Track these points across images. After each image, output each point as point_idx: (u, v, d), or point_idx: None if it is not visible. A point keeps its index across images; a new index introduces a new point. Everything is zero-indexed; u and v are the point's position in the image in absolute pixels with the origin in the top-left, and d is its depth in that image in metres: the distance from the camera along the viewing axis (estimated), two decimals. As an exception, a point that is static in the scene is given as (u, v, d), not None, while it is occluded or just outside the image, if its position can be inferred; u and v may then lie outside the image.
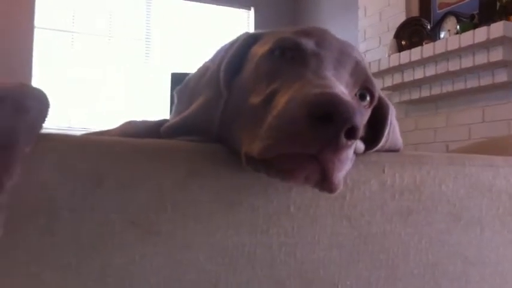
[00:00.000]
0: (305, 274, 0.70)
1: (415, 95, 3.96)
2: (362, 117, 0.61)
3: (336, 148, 0.53)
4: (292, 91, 0.57)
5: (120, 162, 0.62)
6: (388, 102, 0.76)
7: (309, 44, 0.64)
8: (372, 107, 0.70)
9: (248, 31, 0.75)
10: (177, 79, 4.20)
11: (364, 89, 0.68)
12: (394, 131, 0.78)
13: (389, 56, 4.00)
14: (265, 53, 0.66)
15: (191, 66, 4.98)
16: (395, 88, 4.11)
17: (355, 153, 0.70)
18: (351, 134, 0.52)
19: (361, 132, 0.54)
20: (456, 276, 0.80)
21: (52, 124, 4.82)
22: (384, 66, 4.01)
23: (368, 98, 0.69)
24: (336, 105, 0.51)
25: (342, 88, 0.60)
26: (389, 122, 0.74)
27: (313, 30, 0.68)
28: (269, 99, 0.60)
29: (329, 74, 0.61)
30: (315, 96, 0.52)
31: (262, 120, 0.58)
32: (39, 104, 0.60)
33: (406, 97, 4.05)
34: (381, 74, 4.10)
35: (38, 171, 0.58)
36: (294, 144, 0.53)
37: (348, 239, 0.72)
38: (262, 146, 0.55)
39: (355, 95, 0.67)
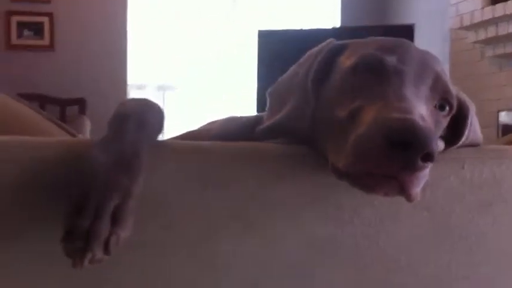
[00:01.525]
0: (387, 261, 0.78)
1: (510, 49, 3.79)
2: (437, 142, 0.64)
3: (413, 171, 0.59)
4: (374, 111, 0.63)
5: (223, 167, 0.71)
6: (469, 102, 0.80)
7: (391, 60, 0.69)
8: (450, 115, 0.75)
9: (333, 39, 0.81)
10: (264, 36, 4.25)
11: (444, 100, 0.72)
12: (474, 129, 0.81)
13: (483, 8, 3.83)
14: (350, 68, 0.72)
15: (278, 24, 4.94)
16: (488, 42, 3.95)
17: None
18: (427, 158, 0.58)
19: (436, 155, 0.59)
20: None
21: (139, 80, 5.06)
22: (477, 19, 3.86)
23: (447, 108, 0.73)
24: (413, 133, 0.57)
25: (421, 109, 0.65)
26: (469, 122, 0.78)
27: (396, 45, 0.73)
28: (353, 115, 0.66)
29: (409, 92, 0.66)
30: (394, 122, 0.59)
31: (347, 135, 0.64)
32: (156, 117, 0.70)
33: (500, 51, 3.89)
34: (473, 27, 3.95)
35: (158, 176, 0.68)
36: (374, 166, 0.60)
37: (428, 229, 0.78)
38: (346, 163, 0.63)
39: (435, 106, 0.72)
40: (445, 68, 0.79)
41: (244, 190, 0.72)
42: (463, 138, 0.78)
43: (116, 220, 0.61)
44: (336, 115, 0.70)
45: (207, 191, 0.70)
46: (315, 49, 0.82)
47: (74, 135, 0.96)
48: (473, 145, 0.83)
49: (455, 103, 0.74)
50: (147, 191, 0.67)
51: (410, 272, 0.79)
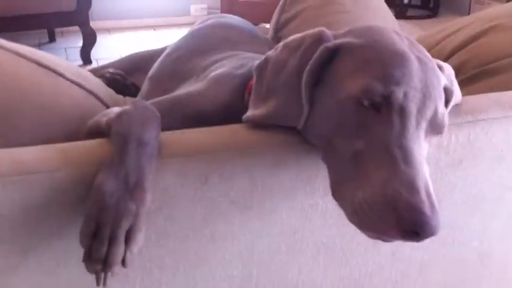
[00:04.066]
0: (366, 216, 0.88)
1: None
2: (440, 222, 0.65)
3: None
4: (380, 175, 0.65)
5: (222, 162, 0.76)
6: (454, 92, 0.82)
7: (396, 96, 0.68)
8: None
9: (324, 31, 0.79)
10: None
11: (439, 130, 0.74)
12: (455, 93, 0.85)
13: None
14: (352, 98, 0.70)
15: None
16: None
17: None
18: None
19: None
20: (493, 200, 0.95)
21: None
22: None
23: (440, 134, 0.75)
24: (423, 227, 0.61)
25: (425, 168, 0.67)
26: (451, 104, 0.81)
27: (402, 67, 0.70)
28: (355, 158, 0.68)
29: (413, 139, 0.68)
30: (405, 212, 0.61)
31: (348, 175, 0.68)
32: (154, 129, 0.72)
33: None
34: None
35: (162, 178, 0.74)
36: (379, 236, 0.66)
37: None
38: (348, 218, 0.69)
39: (431, 132, 0.73)
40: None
41: (243, 179, 0.78)
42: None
43: (128, 240, 0.68)
44: (337, 145, 0.71)
45: (206, 186, 0.76)
46: (307, 40, 0.79)
47: (80, 85, 0.96)
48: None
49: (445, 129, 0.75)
50: (153, 191, 0.72)
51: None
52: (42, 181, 0.68)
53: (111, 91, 1.09)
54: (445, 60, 1.29)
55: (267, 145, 0.78)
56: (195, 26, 1.45)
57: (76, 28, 3.84)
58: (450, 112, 0.85)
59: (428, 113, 0.71)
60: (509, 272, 1.07)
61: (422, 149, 0.70)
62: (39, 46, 4.06)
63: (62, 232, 0.72)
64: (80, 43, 3.85)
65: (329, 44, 0.76)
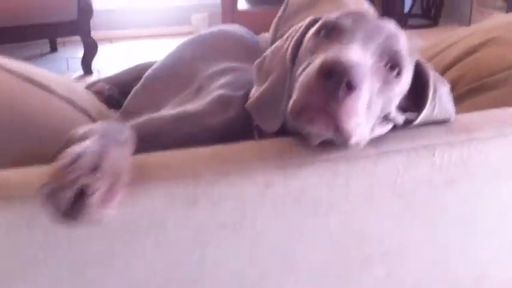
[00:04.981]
0: (358, 237, 0.86)
1: None
2: (364, 74, 0.67)
3: (339, 98, 0.65)
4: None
5: (211, 186, 0.75)
6: (430, 72, 0.84)
7: (346, 22, 0.76)
8: (401, 78, 0.78)
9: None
10: None
11: (393, 60, 0.77)
12: (441, 101, 0.84)
13: None
14: (313, 34, 0.80)
15: None
16: None
17: (395, 125, 0.82)
18: (350, 86, 0.64)
19: (361, 85, 0.65)
20: (488, 220, 0.94)
21: None
22: None
23: (396, 69, 0.77)
24: (335, 64, 0.64)
25: (359, 52, 0.70)
26: (431, 90, 0.82)
27: (356, 12, 0.79)
28: (305, 69, 0.73)
29: (354, 44, 0.72)
30: (325, 58, 0.65)
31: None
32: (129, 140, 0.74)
33: None
34: None
35: (148, 201, 0.72)
36: (309, 97, 0.67)
37: (395, 208, 0.86)
38: (292, 102, 0.70)
39: (385, 66, 0.76)
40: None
41: (233, 203, 0.76)
42: (429, 108, 0.82)
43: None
44: (297, 73, 0.76)
45: (195, 208, 0.75)
46: (297, 25, 0.86)
47: (84, 111, 0.96)
48: (444, 120, 0.86)
49: (404, 66, 0.78)
50: (135, 212, 0.72)
51: (378, 243, 0.88)
52: (25, 205, 0.67)
53: (102, 108, 1.09)
54: (444, 73, 1.28)
55: (254, 165, 0.77)
56: (199, 33, 1.47)
57: (78, 38, 3.84)
58: (444, 128, 0.84)
59: (377, 37, 0.76)
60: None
61: (364, 55, 0.72)
62: (40, 56, 4.07)
63: (47, 258, 0.70)
64: (82, 53, 3.85)
65: (316, 17, 0.85)
